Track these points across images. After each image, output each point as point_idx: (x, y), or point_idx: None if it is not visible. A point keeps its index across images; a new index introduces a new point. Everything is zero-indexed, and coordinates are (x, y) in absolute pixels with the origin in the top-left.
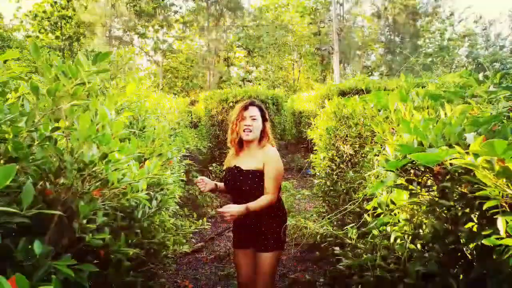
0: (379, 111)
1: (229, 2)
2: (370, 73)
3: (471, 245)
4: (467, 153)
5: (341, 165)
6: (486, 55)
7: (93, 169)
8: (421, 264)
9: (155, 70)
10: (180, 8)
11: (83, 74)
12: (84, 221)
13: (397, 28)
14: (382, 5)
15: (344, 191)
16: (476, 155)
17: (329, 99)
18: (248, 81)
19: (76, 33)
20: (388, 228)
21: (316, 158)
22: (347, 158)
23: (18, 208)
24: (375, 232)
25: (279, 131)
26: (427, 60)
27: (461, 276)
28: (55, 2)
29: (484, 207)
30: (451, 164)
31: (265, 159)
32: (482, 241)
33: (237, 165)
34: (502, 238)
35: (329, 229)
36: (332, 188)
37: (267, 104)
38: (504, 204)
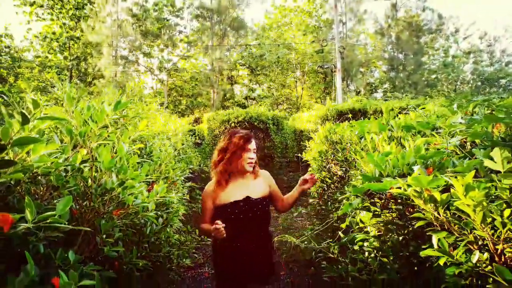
0: (361, 138)
1: (232, 22)
2: (373, 90)
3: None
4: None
5: (332, 186)
6: (491, 71)
7: (113, 194)
8: (386, 273)
9: (161, 91)
10: (185, 28)
11: (107, 120)
12: (104, 236)
13: (400, 45)
14: (385, 22)
15: (334, 210)
16: (409, 186)
17: (327, 120)
18: (252, 99)
19: (83, 53)
20: (365, 243)
21: None
22: (337, 180)
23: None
24: (356, 247)
25: (279, 149)
26: (431, 76)
27: (414, 282)
28: (64, 24)
29: (416, 226)
30: None
31: (269, 181)
32: (421, 253)
33: (248, 195)
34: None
35: (313, 243)
36: (323, 207)
37: (268, 125)
38: (436, 224)
